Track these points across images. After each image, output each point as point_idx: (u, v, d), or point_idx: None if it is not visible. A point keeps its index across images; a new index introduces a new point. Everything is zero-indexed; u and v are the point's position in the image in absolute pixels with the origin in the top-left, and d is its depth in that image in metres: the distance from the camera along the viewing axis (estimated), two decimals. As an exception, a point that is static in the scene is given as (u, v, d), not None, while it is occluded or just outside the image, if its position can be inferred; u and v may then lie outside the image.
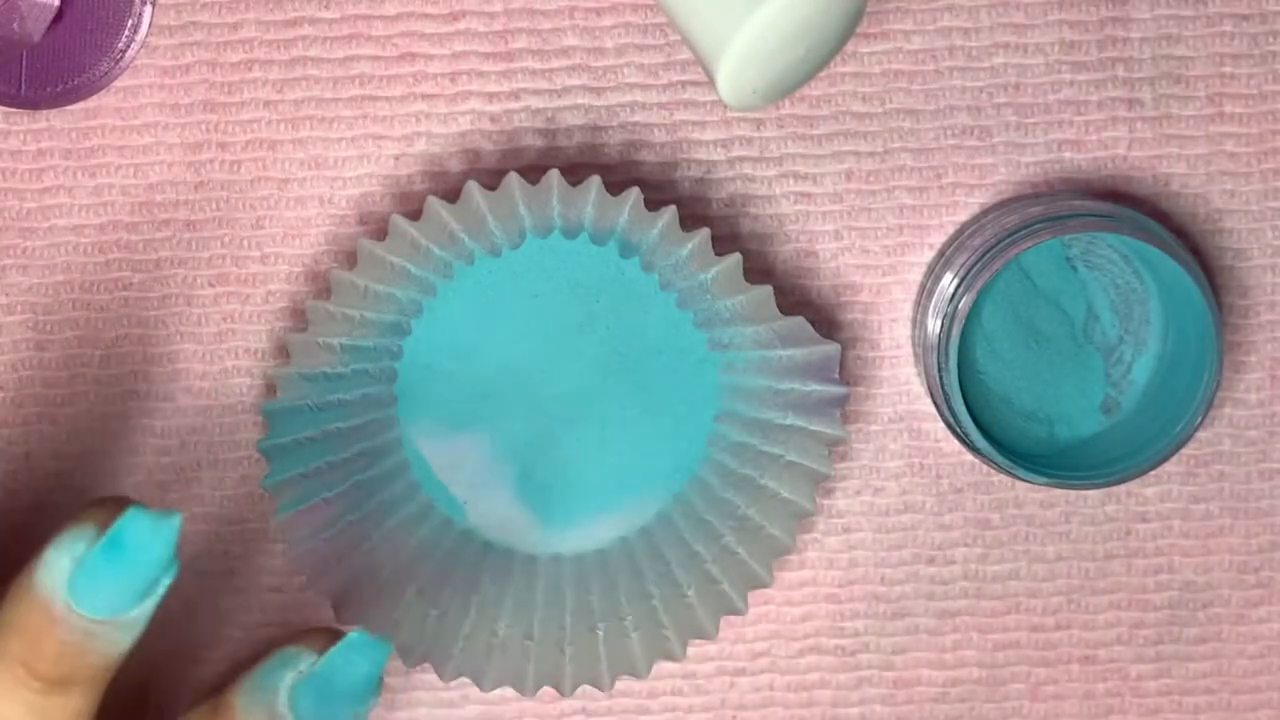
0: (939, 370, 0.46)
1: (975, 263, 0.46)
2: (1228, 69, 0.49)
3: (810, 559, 0.51)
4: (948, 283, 0.47)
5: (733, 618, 0.50)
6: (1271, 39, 0.49)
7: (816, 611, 0.51)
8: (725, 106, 0.49)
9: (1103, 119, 0.49)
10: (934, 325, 0.47)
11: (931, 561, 0.51)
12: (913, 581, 0.51)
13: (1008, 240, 0.46)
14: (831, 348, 0.47)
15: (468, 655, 0.48)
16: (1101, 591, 0.50)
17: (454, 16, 0.49)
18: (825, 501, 0.50)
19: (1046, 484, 0.47)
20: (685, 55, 0.49)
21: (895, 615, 0.51)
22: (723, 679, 0.51)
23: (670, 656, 0.48)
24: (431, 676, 0.51)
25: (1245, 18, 0.49)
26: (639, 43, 0.49)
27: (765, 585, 0.48)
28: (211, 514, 0.50)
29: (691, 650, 0.51)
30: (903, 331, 0.50)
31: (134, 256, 0.50)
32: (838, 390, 0.47)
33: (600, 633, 0.48)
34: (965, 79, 0.49)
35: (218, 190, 0.49)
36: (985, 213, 0.49)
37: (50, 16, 0.47)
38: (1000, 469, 0.47)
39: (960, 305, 0.46)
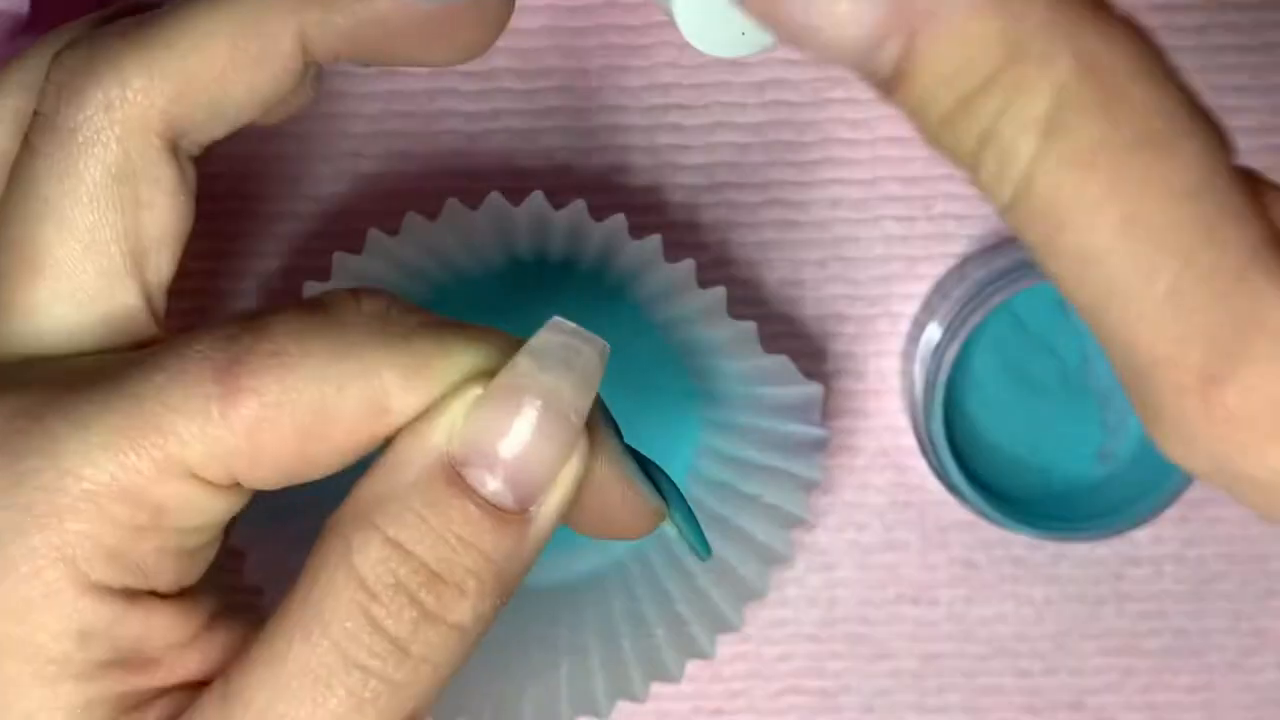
0: (926, 419, 0.45)
1: (962, 308, 0.45)
2: (1230, 101, 0.47)
3: (790, 597, 0.49)
4: (934, 331, 0.45)
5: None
6: (1274, 71, 0.47)
7: (796, 651, 0.49)
8: (708, 130, 0.47)
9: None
10: (920, 374, 0.45)
11: (915, 602, 0.49)
12: (896, 622, 0.49)
13: (997, 284, 0.44)
14: (814, 389, 0.45)
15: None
16: (1091, 636, 0.49)
17: (431, 34, 0.48)
18: (807, 538, 0.49)
19: (1040, 537, 0.45)
20: (669, 78, 0.48)
21: (877, 657, 0.49)
22: (698, 719, 0.50)
23: (631, 697, 0.47)
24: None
25: (1249, 49, 0.47)
26: (622, 64, 0.47)
27: (734, 629, 0.46)
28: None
29: (667, 690, 0.49)
30: (889, 364, 0.48)
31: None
32: (818, 433, 0.45)
33: (563, 669, 0.47)
34: (959, 105, 0.48)
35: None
36: (972, 256, 0.47)
37: (17, 26, 0.46)
38: (991, 521, 0.45)
39: (947, 354, 0.44)
